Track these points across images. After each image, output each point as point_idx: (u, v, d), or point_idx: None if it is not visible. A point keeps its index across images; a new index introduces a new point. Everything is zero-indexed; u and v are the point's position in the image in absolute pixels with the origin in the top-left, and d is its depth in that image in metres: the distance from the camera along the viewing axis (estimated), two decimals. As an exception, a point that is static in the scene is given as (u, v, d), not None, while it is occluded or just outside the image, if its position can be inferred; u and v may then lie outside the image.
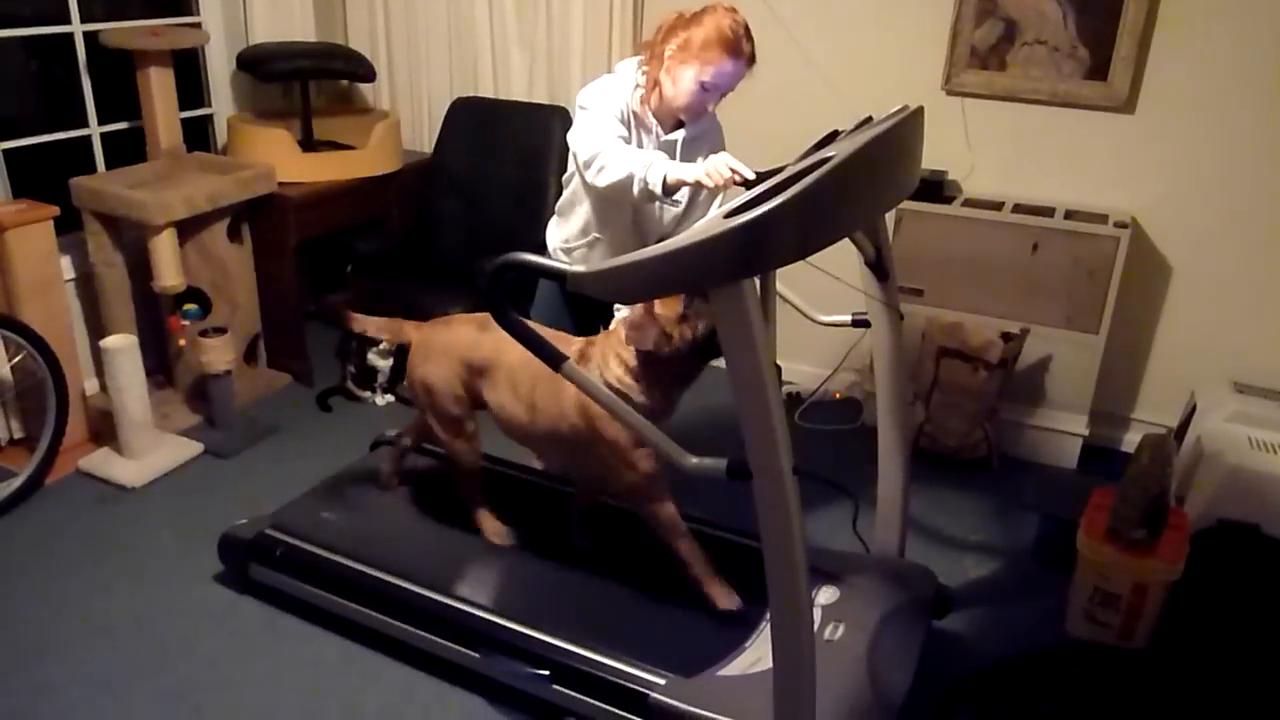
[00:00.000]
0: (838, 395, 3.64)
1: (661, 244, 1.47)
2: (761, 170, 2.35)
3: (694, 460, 1.63)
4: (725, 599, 2.22)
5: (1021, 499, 3.05)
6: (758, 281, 1.47)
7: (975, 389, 3.10)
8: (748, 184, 1.97)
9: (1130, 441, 3.33)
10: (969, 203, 3.19)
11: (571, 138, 2.26)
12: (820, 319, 2.32)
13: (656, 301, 2.03)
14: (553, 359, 1.71)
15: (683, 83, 2.18)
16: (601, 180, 2.14)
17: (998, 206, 3.14)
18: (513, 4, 3.69)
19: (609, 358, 2.16)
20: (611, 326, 2.30)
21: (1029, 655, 2.41)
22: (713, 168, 2.01)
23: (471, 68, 3.85)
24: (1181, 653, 2.40)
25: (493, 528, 2.50)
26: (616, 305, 2.41)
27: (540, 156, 3.61)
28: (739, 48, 2.14)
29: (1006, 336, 3.05)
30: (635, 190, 2.09)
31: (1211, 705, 2.27)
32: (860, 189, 1.56)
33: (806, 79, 3.37)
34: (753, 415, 1.51)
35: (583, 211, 2.32)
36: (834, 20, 3.32)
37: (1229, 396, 2.88)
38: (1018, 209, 3.12)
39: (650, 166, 2.07)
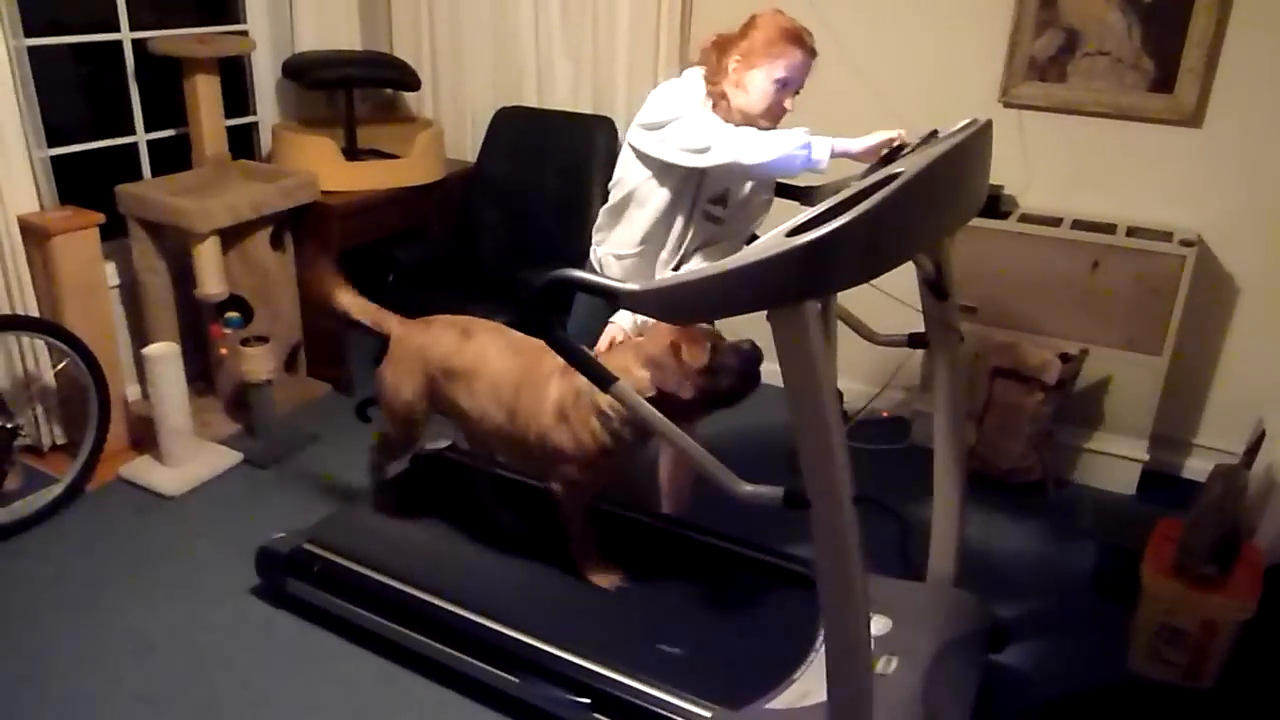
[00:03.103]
0: (885, 414, 3.55)
1: (720, 262, 1.41)
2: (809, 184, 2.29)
3: (748, 488, 1.56)
4: (602, 579, 2.30)
5: (1078, 526, 2.93)
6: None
7: (1031, 411, 3.00)
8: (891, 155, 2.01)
9: (1192, 468, 3.21)
10: (1026, 218, 3.08)
11: (675, 135, 2.13)
12: (877, 337, 2.24)
13: (684, 345, 1.99)
14: (602, 380, 1.65)
15: (757, 86, 2.13)
16: (748, 158, 2.05)
17: (1056, 223, 3.04)
18: (558, 14, 3.65)
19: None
20: (609, 335, 2.26)
21: (1089, 693, 2.30)
22: (870, 142, 2.06)
23: (516, 77, 3.81)
24: (1253, 695, 2.28)
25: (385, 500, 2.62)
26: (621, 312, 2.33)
27: (584, 167, 3.56)
28: (802, 38, 2.12)
29: (1065, 357, 2.95)
30: (796, 166, 2.04)
31: (1285, 752, 2.16)
32: (929, 207, 1.49)
33: (856, 90, 3.29)
34: (813, 442, 1.45)
35: (642, 218, 2.25)
36: (886, 30, 3.24)
37: (1301, 424, 2.75)
38: (1077, 225, 3.01)
39: (809, 144, 2.02)
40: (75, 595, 2.53)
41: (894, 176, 1.40)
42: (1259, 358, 3.04)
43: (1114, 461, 3.12)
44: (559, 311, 2.36)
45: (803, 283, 1.35)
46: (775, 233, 1.40)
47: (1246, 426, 3.00)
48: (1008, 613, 2.49)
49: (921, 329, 2.17)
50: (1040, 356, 2.96)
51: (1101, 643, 2.47)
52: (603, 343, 2.24)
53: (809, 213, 1.41)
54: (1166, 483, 3.18)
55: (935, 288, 2.09)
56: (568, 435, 2.16)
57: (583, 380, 2.07)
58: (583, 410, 2.12)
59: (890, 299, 2.73)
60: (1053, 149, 3.11)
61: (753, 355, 2.04)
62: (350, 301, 2.51)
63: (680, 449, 1.64)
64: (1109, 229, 2.98)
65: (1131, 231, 2.96)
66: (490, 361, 2.28)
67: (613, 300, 1.54)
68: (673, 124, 2.10)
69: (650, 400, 2.01)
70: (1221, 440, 3.14)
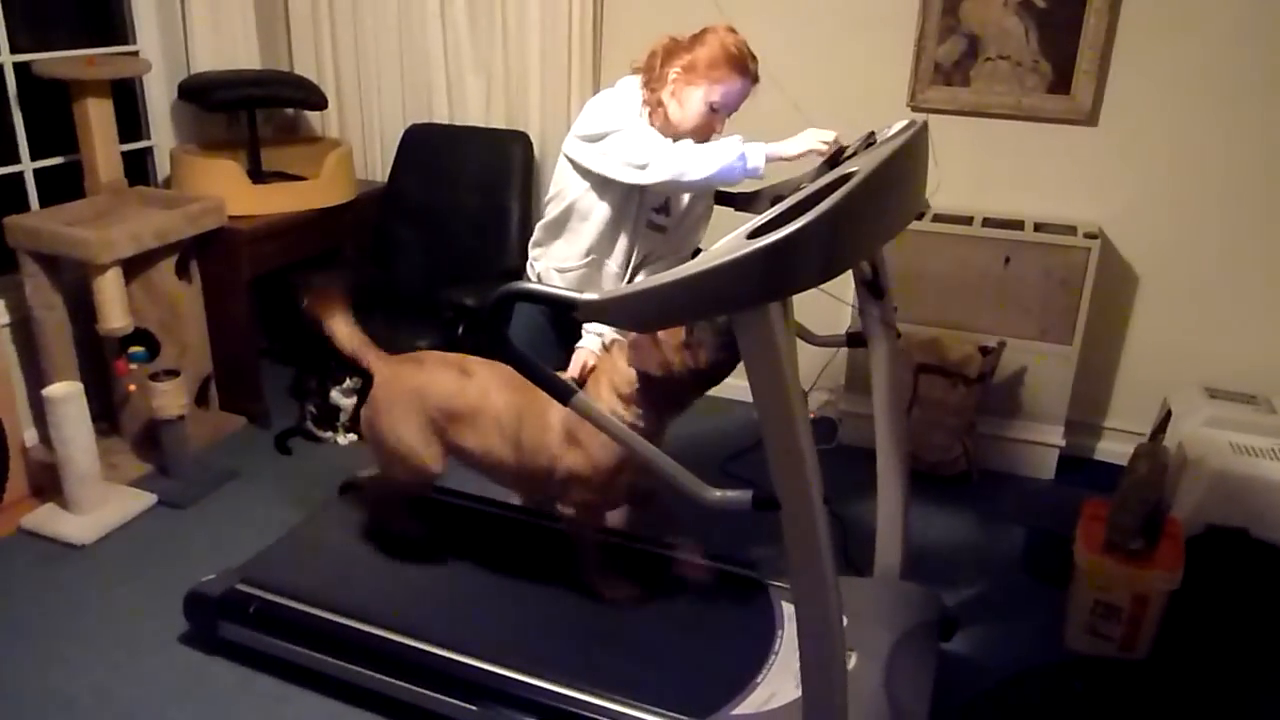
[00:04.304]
0: (812, 415, 3.60)
1: (683, 267, 1.40)
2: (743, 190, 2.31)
3: (717, 494, 1.55)
4: (616, 592, 2.29)
5: (1005, 512, 3.03)
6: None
7: (955, 404, 3.09)
8: (833, 159, 2.02)
9: (1105, 449, 3.36)
10: (938, 218, 3.19)
11: (615, 148, 2.11)
12: (815, 338, 2.28)
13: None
14: (561, 393, 1.62)
15: (691, 105, 2.13)
16: (688, 175, 2.05)
17: (967, 221, 3.15)
18: (467, 28, 3.60)
19: (600, 384, 2.12)
20: (580, 359, 2.24)
21: (1033, 672, 2.38)
22: (803, 144, 2.07)
23: (425, 93, 3.74)
24: (1183, 661, 2.39)
25: (409, 525, 2.51)
26: (585, 328, 2.32)
27: (500, 182, 3.52)
28: (745, 66, 2.13)
29: (984, 350, 3.05)
30: (736, 176, 2.05)
31: (1217, 711, 2.27)
32: (883, 205, 1.51)
33: (770, 97, 3.32)
34: (781, 443, 1.45)
35: (587, 230, 2.22)
36: (797, 38, 3.30)
37: (1203, 402, 2.90)
38: (987, 223, 3.13)
39: (744, 153, 2.04)
40: (-17, 658, 2.35)
41: (848, 176, 1.42)
42: (1160, 342, 3.22)
43: (1033, 448, 3.24)
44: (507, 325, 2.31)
45: (767, 284, 1.35)
46: (735, 235, 1.40)
47: (1152, 407, 3.16)
48: (948, 601, 2.54)
49: (843, 330, 2.23)
50: (962, 351, 3.06)
51: (1037, 622, 2.55)
52: (574, 368, 2.21)
53: (768, 214, 1.41)
54: (1082, 465, 3.33)
55: (872, 287, 2.13)
56: (580, 456, 2.13)
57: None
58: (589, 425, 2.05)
59: (816, 299, 2.78)
60: (961, 150, 3.22)
61: (729, 327, 2.04)
62: (341, 330, 2.39)
63: (647, 458, 1.62)
64: (1018, 225, 3.10)
65: (1039, 227, 3.09)
66: (493, 397, 2.21)
67: (570, 311, 1.50)
68: (611, 137, 2.08)
69: (638, 391, 2.05)
70: (1130, 422, 3.30)
